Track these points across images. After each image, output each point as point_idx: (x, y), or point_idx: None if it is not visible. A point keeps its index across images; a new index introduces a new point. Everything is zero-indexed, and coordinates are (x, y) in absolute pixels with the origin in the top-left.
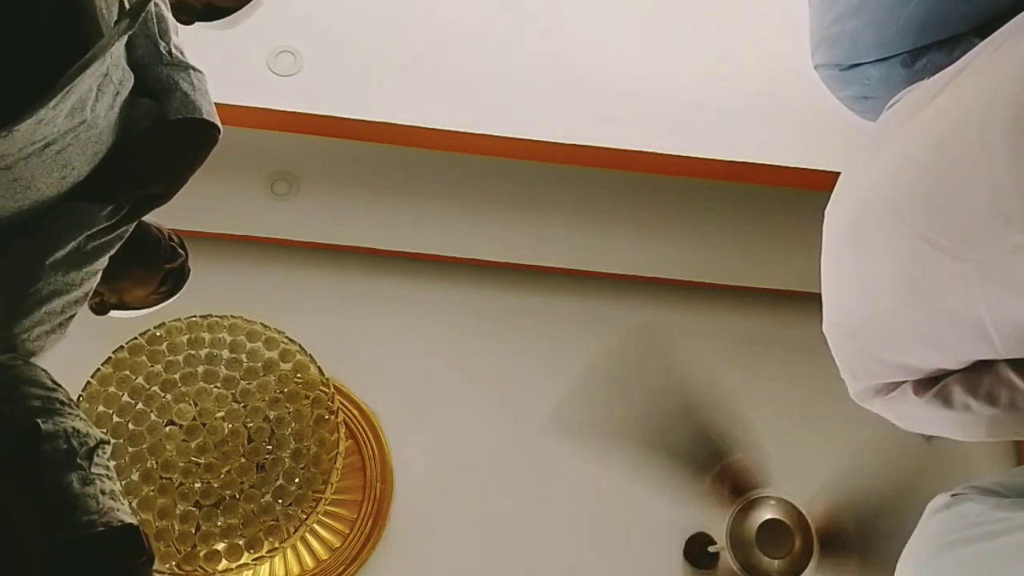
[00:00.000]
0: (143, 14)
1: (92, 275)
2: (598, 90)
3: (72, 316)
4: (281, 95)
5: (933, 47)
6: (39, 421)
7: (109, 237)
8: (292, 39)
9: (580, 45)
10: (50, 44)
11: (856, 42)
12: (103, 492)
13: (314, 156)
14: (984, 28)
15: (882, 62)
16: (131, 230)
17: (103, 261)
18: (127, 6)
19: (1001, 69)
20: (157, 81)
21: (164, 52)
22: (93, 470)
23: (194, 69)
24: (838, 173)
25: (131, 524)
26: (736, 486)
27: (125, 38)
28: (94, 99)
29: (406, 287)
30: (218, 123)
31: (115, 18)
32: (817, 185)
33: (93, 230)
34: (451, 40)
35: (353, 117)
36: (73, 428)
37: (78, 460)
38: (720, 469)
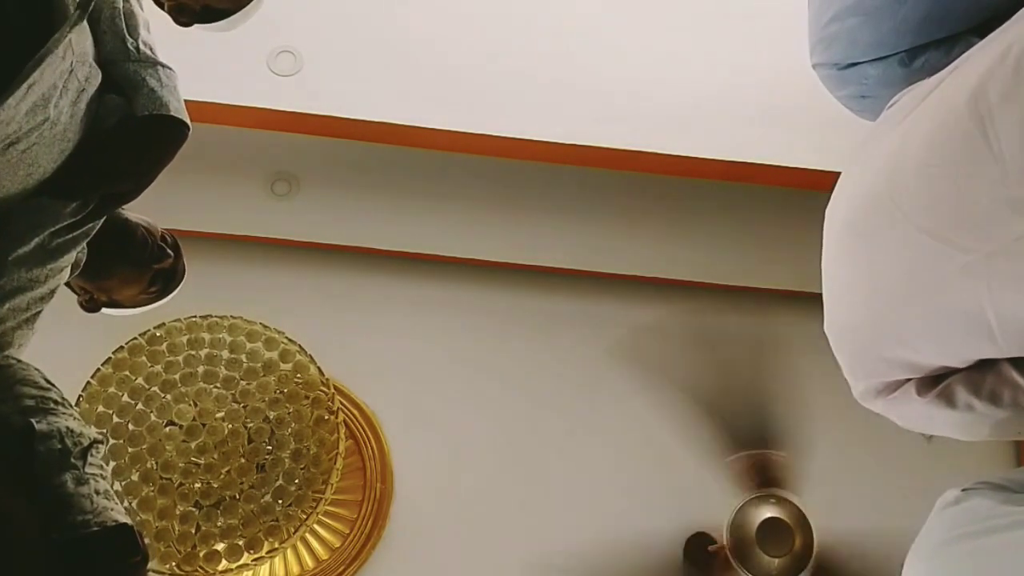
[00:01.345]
0: (92, 4)
1: (57, 272)
2: (598, 90)
3: (39, 312)
4: (281, 95)
5: (931, 46)
6: (33, 421)
7: (75, 234)
8: (292, 39)
9: (580, 45)
10: (19, 35)
11: (853, 41)
12: (97, 492)
13: (314, 156)
14: (983, 27)
15: (879, 61)
16: (98, 227)
17: (69, 258)
18: None
19: (999, 55)
20: (125, 78)
21: (131, 48)
22: (87, 470)
23: (163, 65)
24: (838, 173)
25: (125, 523)
26: (765, 478)
27: (77, 31)
28: (58, 96)
29: (406, 287)
30: (187, 120)
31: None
32: (817, 185)
33: (57, 227)
34: (451, 40)
35: (353, 117)
36: (67, 428)
37: (72, 460)
38: (759, 455)
